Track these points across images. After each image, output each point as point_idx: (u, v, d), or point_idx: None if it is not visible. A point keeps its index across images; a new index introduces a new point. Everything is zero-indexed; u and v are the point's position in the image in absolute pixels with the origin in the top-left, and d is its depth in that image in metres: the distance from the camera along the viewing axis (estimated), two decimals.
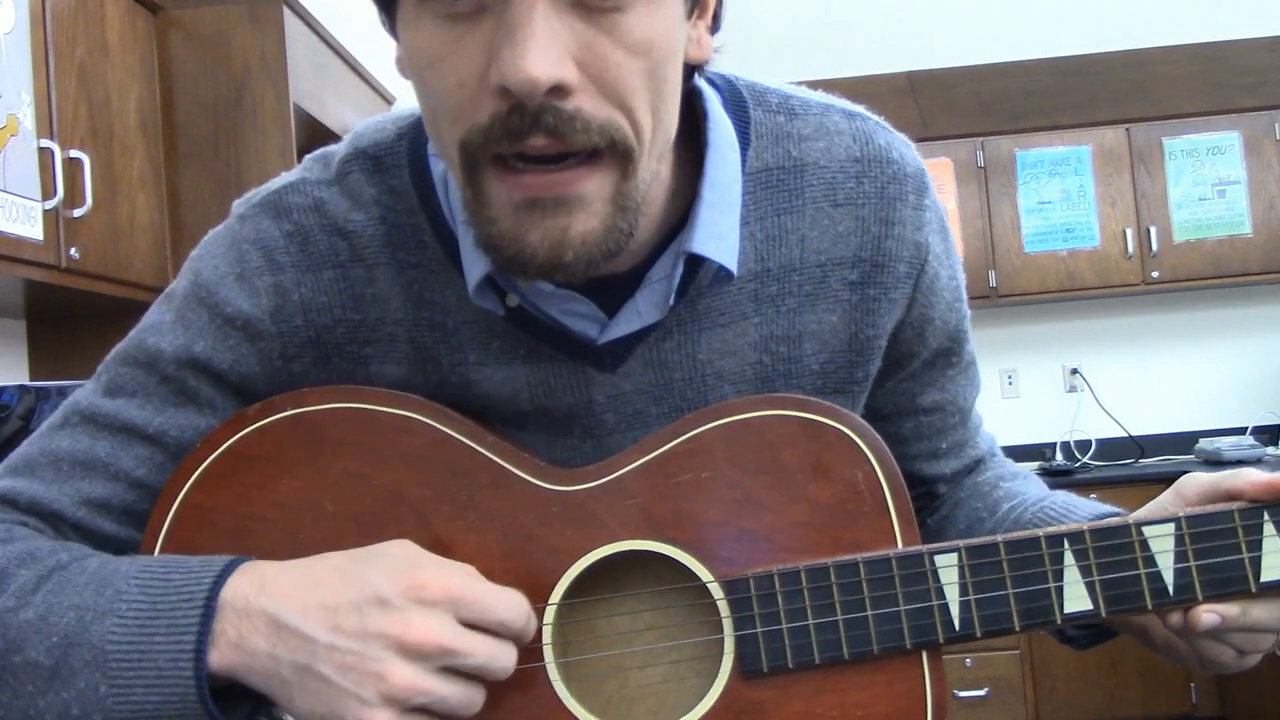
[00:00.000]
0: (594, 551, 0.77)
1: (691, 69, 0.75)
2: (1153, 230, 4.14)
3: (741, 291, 0.82)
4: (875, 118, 0.87)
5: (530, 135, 0.64)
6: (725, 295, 0.82)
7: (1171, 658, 0.83)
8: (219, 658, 0.70)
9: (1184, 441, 4.34)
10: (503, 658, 0.72)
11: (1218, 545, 0.76)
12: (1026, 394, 4.53)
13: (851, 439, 0.78)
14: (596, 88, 0.65)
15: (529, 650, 0.75)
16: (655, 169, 0.72)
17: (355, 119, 2.93)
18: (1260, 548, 0.76)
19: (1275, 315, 4.46)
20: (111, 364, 0.84)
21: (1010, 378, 4.52)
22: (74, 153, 2.00)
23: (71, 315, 2.35)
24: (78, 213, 1.98)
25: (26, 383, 2.09)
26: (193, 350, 0.81)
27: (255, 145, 2.44)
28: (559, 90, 0.64)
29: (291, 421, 0.79)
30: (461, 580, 0.71)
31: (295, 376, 0.82)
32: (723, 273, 0.79)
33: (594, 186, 0.67)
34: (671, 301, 0.78)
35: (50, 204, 1.91)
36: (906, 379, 0.91)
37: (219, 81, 2.44)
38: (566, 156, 0.66)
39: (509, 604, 0.72)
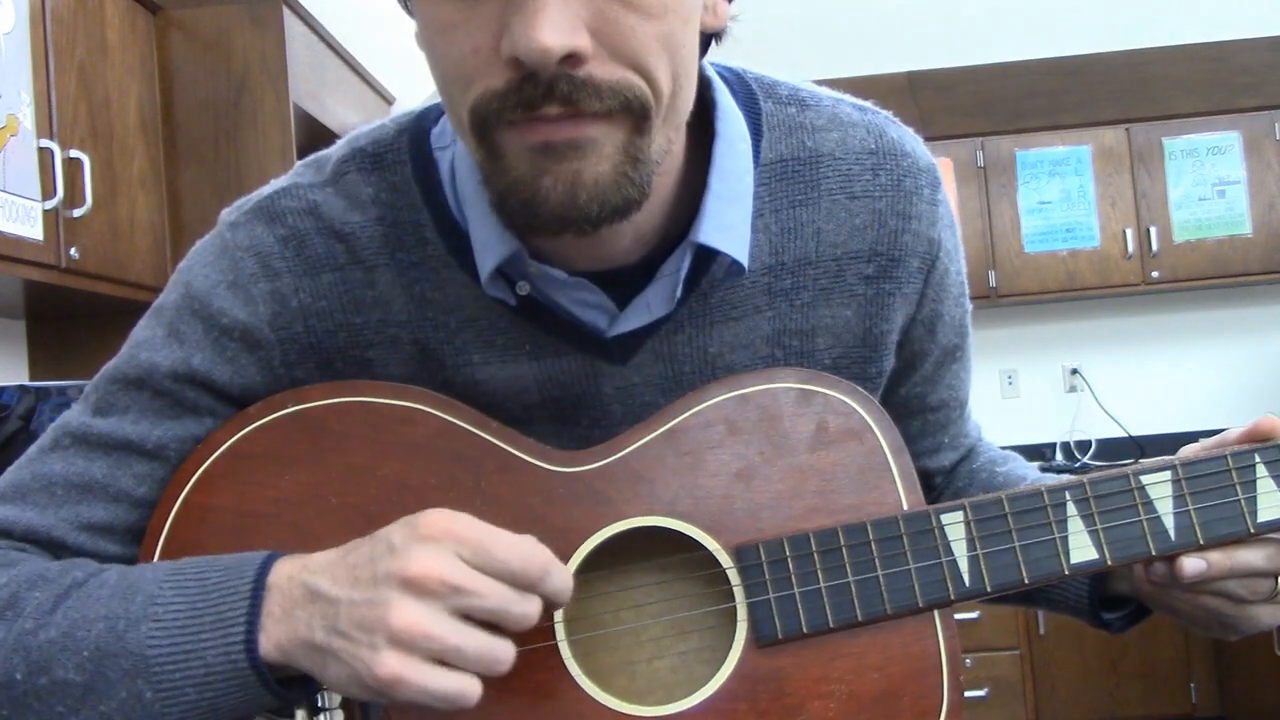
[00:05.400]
0: (602, 530, 0.77)
1: (707, 38, 0.75)
2: (1153, 230, 4.14)
3: (755, 285, 0.82)
4: (884, 112, 0.87)
5: (544, 105, 0.64)
6: (738, 288, 0.81)
7: (1202, 628, 0.84)
8: (267, 639, 0.69)
9: (1184, 441, 4.13)
10: (518, 604, 0.67)
11: (1214, 489, 0.80)
12: (1026, 394, 4.53)
13: (850, 406, 0.79)
14: (609, 53, 0.65)
15: (541, 630, 0.72)
16: (671, 138, 0.71)
17: (355, 119, 2.93)
18: (1255, 488, 0.79)
19: (1275, 315, 4.46)
20: (101, 383, 0.81)
21: (1010, 378, 4.52)
22: (74, 153, 1.99)
23: (71, 315, 2.35)
24: (78, 213, 1.98)
25: (26, 383, 2.09)
26: (191, 364, 0.78)
27: (255, 145, 2.44)
28: (572, 58, 0.63)
29: (293, 418, 0.78)
30: (466, 520, 0.68)
31: (298, 383, 0.81)
32: (735, 266, 0.78)
33: (605, 132, 0.66)
34: (679, 294, 0.78)
35: (50, 204, 1.91)
36: (920, 382, 0.91)
37: (219, 81, 2.44)
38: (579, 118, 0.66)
39: (519, 551, 0.68)
